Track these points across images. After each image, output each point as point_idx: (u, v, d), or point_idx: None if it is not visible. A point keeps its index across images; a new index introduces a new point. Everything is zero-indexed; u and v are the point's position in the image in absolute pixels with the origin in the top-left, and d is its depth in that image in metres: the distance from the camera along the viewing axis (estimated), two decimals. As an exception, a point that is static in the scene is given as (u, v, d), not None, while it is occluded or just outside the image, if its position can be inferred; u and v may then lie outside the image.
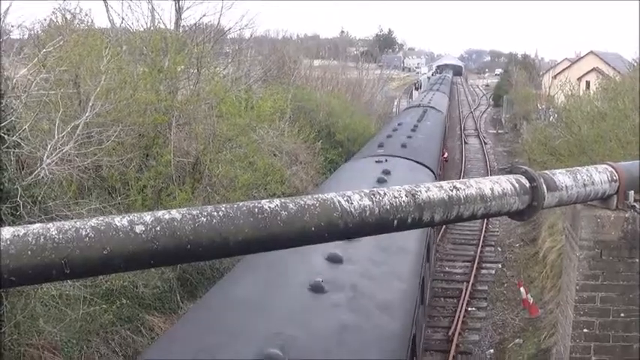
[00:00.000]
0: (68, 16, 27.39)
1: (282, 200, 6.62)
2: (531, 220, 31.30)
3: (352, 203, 6.95)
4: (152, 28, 34.06)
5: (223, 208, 6.19)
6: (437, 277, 30.14)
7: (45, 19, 28.41)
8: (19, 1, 31.02)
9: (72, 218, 13.82)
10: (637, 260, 10.90)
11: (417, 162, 27.31)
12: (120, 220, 5.68)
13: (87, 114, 21.34)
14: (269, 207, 6.41)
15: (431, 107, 60.93)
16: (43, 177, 18.68)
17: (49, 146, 19.28)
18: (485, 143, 77.73)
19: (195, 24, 38.83)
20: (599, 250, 10.91)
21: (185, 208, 6.11)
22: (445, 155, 51.27)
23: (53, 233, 5.35)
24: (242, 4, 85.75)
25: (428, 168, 27.14)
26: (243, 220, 6.18)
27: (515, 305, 27.84)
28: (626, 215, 10.86)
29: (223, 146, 27.77)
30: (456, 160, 65.20)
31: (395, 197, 7.33)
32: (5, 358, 15.96)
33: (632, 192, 10.89)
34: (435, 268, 29.92)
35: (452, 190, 8.00)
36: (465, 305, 27.58)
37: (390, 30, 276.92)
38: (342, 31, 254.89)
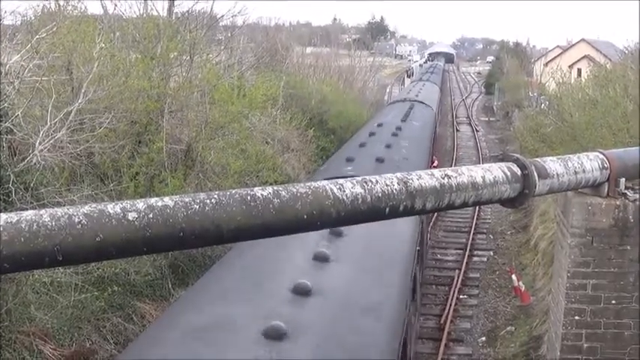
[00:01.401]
0: (61, 3, 27.31)
1: (275, 188, 6.63)
2: (523, 207, 31.51)
3: (344, 191, 6.96)
4: (145, 14, 33.98)
5: (216, 196, 6.20)
6: (428, 264, 30.18)
7: (38, 5, 28.37)
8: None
9: (64, 205, 13.82)
10: (628, 247, 10.95)
11: None
12: (112, 207, 5.69)
13: (79, 100, 21.33)
14: (261, 194, 6.42)
15: (419, 102, 51.62)
16: (35, 163, 18.68)
17: (41, 133, 19.27)
18: (477, 131, 77.88)
19: (187, 11, 38.78)
20: (591, 237, 10.96)
21: (177, 196, 6.12)
22: (435, 164, 40.53)
23: (46, 220, 5.36)
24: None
25: None
26: (235, 207, 6.19)
27: (507, 293, 27.95)
28: (617, 203, 10.91)
29: (215, 133, 27.76)
30: (447, 148, 65.21)
31: (387, 185, 7.35)
32: (-3, 344, 15.99)
33: (623, 179, 10.93)
34: (427, 255, 29.96)
35: (443, 178, 8.03)
36: (456, 293, 27.68)
37: (382, 17, 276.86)
38: (335, 19, 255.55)
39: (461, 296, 27.81)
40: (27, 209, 5.83)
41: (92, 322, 18.84)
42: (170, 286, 22.56)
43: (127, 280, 20.77)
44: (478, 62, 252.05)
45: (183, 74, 29.64)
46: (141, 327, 19.85)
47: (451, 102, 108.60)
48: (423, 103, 52.25)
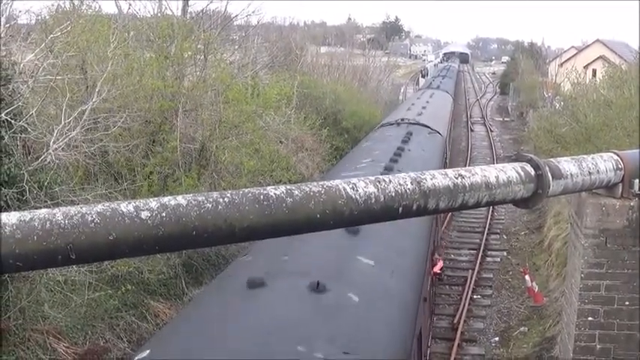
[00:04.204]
0: (75, 2, 27.37)
1: (288, 187, 6.61)
2: (537, 208, 31.45)
3: (357, 190, 6.94)
4: (159, 14, 34.07)
5: (229, 195, 6.19)
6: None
7: (52, 5, 28.46)
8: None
9: (78, 204, 13.86)
10: (642, 249, 10.92)
11: None
12: (126, 206, 5.68)
13: (93, 100, 21.39)
14: (274, 193, 6.40)
15: (421, 125, 33.36)
16: (49, 162, 18.74)
17: (55, 131, 19.33)
18: (492, 131, 77.73)
19: (202, 10, 38.86)
20: (604, 238, 10.91)
21: (191, 194, 6.10)
22: (438, 267, 22.37)
23: (59, 218, 5.35)
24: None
25: None
26: (248, 206, 6.18)
27: (521, 293, 27.91)
28: (631, 204, 10.87)
29: (229, 133, 27.79)
30: (462, 148, 65.06)
31: (400, 184, 7.33)
32: (10, 342, 16.03)
33: (637, 180, 10.90)
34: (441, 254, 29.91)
35: (457, 178, 8.00)
36: (470, 293, 27.64)
37: (397, 17, 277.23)
38: (349, 18, 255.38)
39: (474, 296, 27.78)
40: (41, 208, 5.83)
41: (106, 320, 18.90)
42: (184, 285, 22.60)
43: (140, 279, 20.83)
44: (493, 62, 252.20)
45: (197, 74, 29.68)
46: (154, 326, 19.89)
47: (466, 102, 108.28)
48: (427, 127, 33.64)
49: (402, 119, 35.45)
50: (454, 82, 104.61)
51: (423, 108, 43.87)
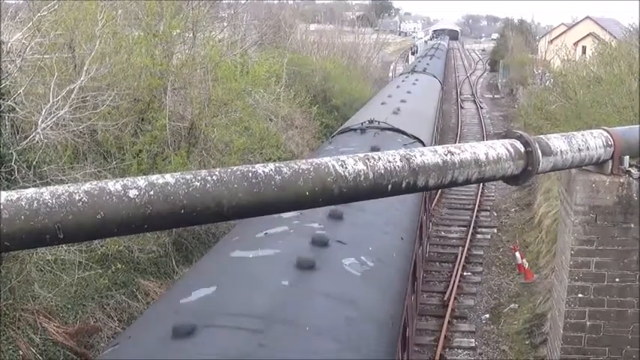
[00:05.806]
0: (63, -20, 27.20)
1: (277, 164, 6.58)
2: (527, 184, 31.47)
3: (347, 168, 6.91)
4: (147, -9, 33.87)
5: (217, 173, 6.17)
6: (432, 241, 30.16)
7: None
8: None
9: (67, 183, 13.80)
10: (632, 225, 10.92)
11: None
12: (113, 185, 5.67)
13: (82, 78, 21.27)
14: (263, 171, 6.37)
15: (394, 131, 24.10)
16: (37, 141, 18.65)
17: (43, 111, 19.23)
18: (482, 108, 77.66)
19: (190, -12, 38.63)
20: (594, 215, 10.93)
21: (179, 173, 6.09)
22: None
23: (46, 198, 5.34)
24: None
25: None
26: (237, 184, 6.15)
27: (511, 270, 27.94)
28: (621, 180, 10.87)
29: (219, 111, 27.68)
30: (452, 125, 65.00)
31: (389, 162, 7.31)
32: (0, 322, 15.99)
33: (627, 157, 10.90)
34: (431, 232, 29.91)
35: (446, 155, 7.99)
36: (460, 270, 27.65)
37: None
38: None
39: (465, 273, 27.80)
40: (29, 188, 5.80)
41: (96, 299, 18.86)
42: (174, 263, 22.55)
43: (130, 258, 20.78)
44: (482, 39, 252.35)
45: (186, 51, 29.54)
46: (144, 304, 19.86)
47: (455, 79, 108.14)
48: (403, 133, 24.07)
49: (371, 121, 25.57)
50: (443, 62, 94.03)
51: (402, 101, 34.05)
